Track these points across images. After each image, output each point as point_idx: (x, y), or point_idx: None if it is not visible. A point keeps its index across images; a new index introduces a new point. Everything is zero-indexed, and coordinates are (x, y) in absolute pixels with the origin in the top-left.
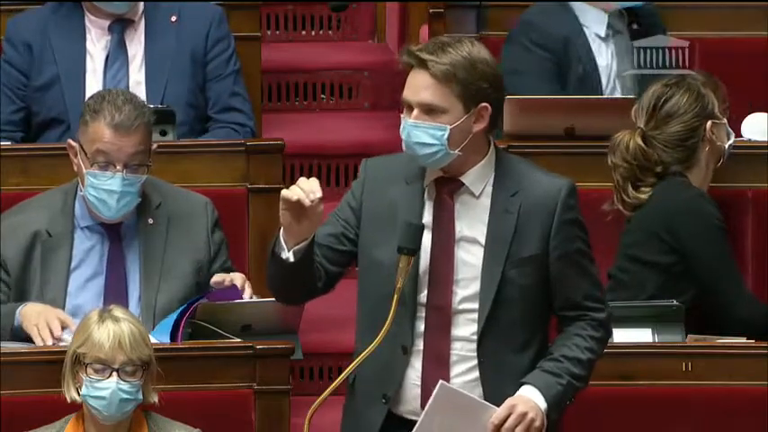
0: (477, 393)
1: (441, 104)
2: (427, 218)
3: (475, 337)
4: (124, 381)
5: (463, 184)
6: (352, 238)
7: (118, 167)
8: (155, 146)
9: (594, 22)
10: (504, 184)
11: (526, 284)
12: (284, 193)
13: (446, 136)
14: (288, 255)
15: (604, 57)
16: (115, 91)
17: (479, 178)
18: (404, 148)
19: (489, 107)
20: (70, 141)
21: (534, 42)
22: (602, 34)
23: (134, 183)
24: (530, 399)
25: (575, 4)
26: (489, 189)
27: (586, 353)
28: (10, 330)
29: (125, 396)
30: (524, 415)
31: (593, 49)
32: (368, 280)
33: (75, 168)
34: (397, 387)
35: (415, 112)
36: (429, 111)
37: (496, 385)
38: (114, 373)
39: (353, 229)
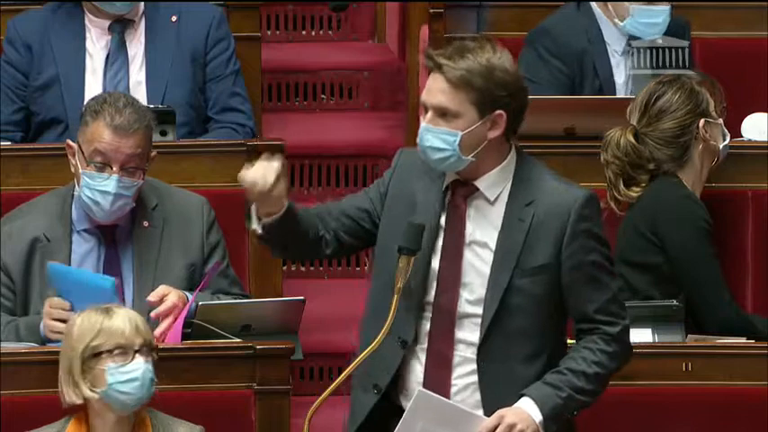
0: (475, 398)
1: (454, 109)
2: (443, 219)
3: (477, 342)
4: (146, 362)
5: (478, 188)
6: (374, 220)
7: (114, 169)
8: (154, 153)
9: (613, 37)
10: (521, 192)
11: (536, 294)
12: (240, 175)
13: (457, 141)
14: (256, 227)
15: (622, 73)
16: (117, 94)
17: (495, 184)
18: (419, 151)
19: (504, 115)
20: (69, 141)
21: (550, 52)
22: (620, 50)
23: (129, 186)
24: (523, 410)
25: (599, 15)
26: (506, 195)
27: (593, 366)
28: (38, 341)
29: (152, 375)
30: (513, 426)
31: (613, 63)
32: (379, 271)
33: (73, 169)
34: (389, 378)
35: (429, 114)
36: (443, 114)
37: (496, 393)
38: (137, 355)
39: (377, 212)
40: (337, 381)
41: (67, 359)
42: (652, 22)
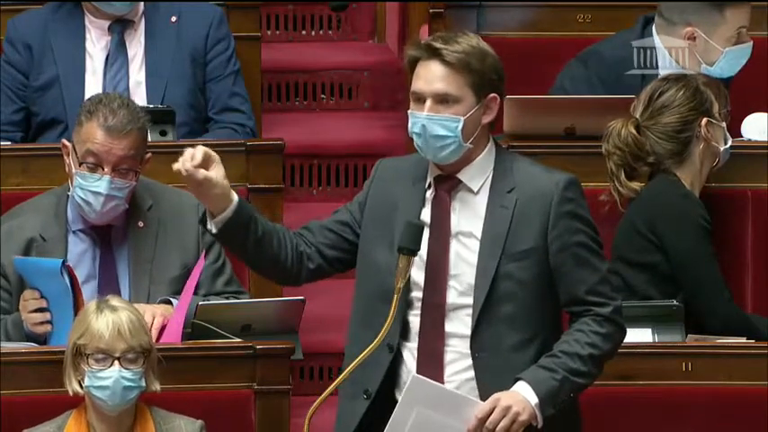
0: (472, 389)
1: (455, 93)
2: (427, 216)
3: (469, 333)
4: (126, 368)
5: (461, 180)
6: (355, 231)
7: (106, 170)
8: (148, 155)
9: (668, 71)
10: (502, 181)
11: (524, 279)
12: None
13: (460, 127)
14: (210, 226)
15: None
16: (113, 95)
17: (477, 174)
18: (415, 142)
19: (498, 98)
20: (64, 141)
21: (600, 78)
22: None
23: (121, 187)
24: (517, 393)
25: (659, 48)
26: (488, 185)
27: (587, 348)
28: (23, 338)
29: (128, 384)
30: (508, 408)
31: None
32: (363, 279)
33: (67, 169)
34: (379, 383)
35: (429, 103)
36: (443, 101)
37: (494, 383)
38: (116, 362)
39: (357, 222)
40: (337, 381)
41: (67, 348)
42: (739, 62)
